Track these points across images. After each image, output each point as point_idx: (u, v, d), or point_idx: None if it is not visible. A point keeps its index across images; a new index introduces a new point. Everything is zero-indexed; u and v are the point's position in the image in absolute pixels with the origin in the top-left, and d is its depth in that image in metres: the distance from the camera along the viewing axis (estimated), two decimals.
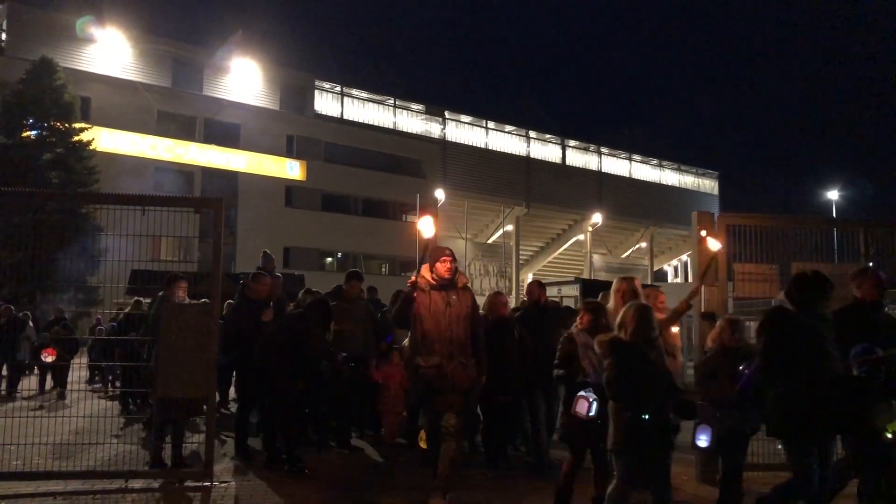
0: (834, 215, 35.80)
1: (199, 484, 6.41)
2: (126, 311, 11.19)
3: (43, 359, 12.05)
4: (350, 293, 8.42)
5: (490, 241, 49.16)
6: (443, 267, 5.57)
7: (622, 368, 4.45)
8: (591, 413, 4.93)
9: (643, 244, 56.00)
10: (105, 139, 31.07)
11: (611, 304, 5.74)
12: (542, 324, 7.25)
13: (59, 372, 12.88)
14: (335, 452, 7.94)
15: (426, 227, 5.55)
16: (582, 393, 5.04)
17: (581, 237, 52.09)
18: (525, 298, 8.15)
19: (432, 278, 5.59)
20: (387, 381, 8.44)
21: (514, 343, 6.97)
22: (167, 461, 6.83)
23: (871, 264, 7.35)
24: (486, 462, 7.07)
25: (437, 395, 5.43)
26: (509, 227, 48.36)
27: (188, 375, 6.48)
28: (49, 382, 13.66)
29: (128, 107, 33.03)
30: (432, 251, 5.59)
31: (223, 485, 6.45)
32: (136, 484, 6.38)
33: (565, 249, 53.33)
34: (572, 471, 5.38)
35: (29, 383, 13.81)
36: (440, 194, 41.77)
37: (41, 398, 12.65)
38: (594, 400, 4.93)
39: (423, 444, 6.29)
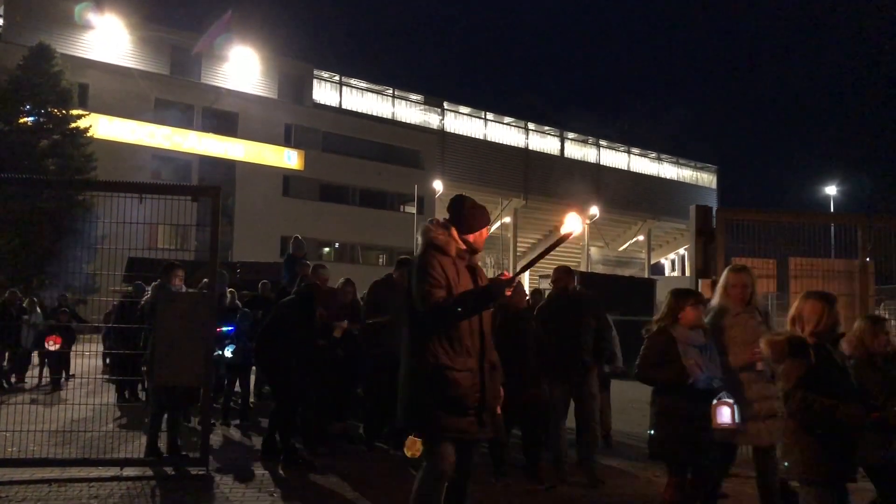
0: (832, 210, 35.82)
1: (195, 472, 6.43)
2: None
3: (48, 347, 11.89)
4: (402, 280, 7.50)
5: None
6: (483, 237, 4.12)
7: (811, 376, 3.60)
8: (738, 420, 4.40)
9: (640, 237, 56.02)
10: (103, 126, 30.95)
11: (717, 300, 5.21)
12: (570, 313, 6.54)
13: (59, 360, 12.58)
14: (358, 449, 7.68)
15: (574, 224, 4.19)
16: (723, 399, 4.39)
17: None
18: (552, 285, 7.04)
19: (462, 245, 4.00)
20: None
21: (532, 337, 6.36)
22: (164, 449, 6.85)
23: (868, 260, 7.37)
24: (496, 469, 6.38)
25: (463, 415, 3.78)
26: (507, 219, 48.37)
27: (184, 364, 6.49)
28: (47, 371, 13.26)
29: (125, 94, 32.88)
30: (480, 215, 4.11)
31: (219, 473, 6.46)
32: (132, 472, 6.39)
33: None
34: (680, 497, 4.53)
35: (32, 373, 13.40)
36: (438, 185, 41.71)
37: (41, 388, 12.44)
38: (734, 404, 4.39)
39: (410, 453, 5.84)
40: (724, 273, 5.32)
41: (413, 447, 5.45)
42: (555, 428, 6.53)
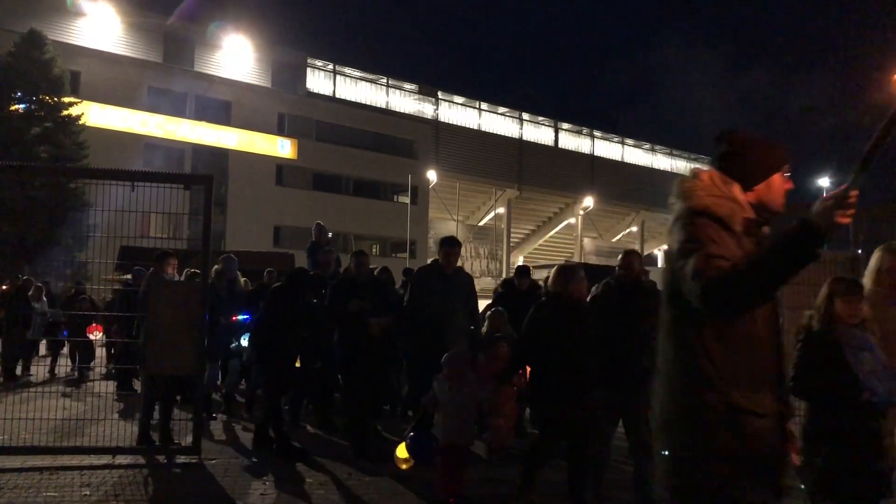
0: None
1: (187, 460, 6.43)
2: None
3: (91, 337, 11.79)
4: (448, 265, 6.95)
5: (481, 223, 49.17)
6: (779, 190, 2.60)
7: None
8: None
9: (634, 228, 56.14)
10: (95, 114, 30.77)
11: (870, 284, 4.37)
12: (636, 307, 5.43)
13: (87, 350, 12.15)
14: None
15: None
16: None
17: (572, 220, 52.19)
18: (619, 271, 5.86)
19: (751, 212, 2.50)
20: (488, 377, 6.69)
21: (592, 337, 5.08)
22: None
23: (860, 251, 7.39)
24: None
25: (762, 483, 2.40)
26: (501, 210, 48.37)
27: (176, 353, 6.48)
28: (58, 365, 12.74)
29: (118, 82, 32.68)
30: (769, 148, 2.59)
31: (211, 462, 6.46)
32: (123, 460, 6.38)
33: (556, 232, 53.42)
34: None
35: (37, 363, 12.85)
36: (432, 175, 41.71)
37: (58, 380, 11.85)
38: None
39: (403, 465, 5.42)
40: (877, 254, 4.46)
41: (407, 463, 5.42)
42: (605, 446, 5.48)
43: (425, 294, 6.80)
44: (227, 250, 23.14)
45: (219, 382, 9.49)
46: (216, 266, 9.14)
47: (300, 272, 7.46)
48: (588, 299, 5.52)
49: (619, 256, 5.90)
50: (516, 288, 8.81)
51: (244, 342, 8.79)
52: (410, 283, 7.33)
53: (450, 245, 6.98)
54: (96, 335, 11.83)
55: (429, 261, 9.75)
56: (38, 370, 12.21)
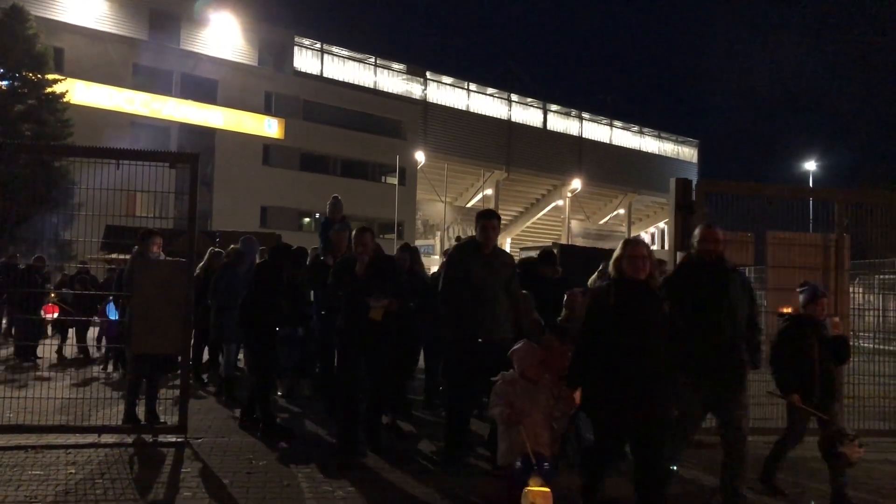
0: (811, 185, 36.13)
1: (173, 439, 6.43)
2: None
3: (47, 317, 11.25)
4: (487, 242, 5.99)
5: (469, 204, 49.13)
6: None
7: None
8: None
9: (621, 211, 56.28)
10: (80, 92, 30.44)
11: None
12: (720, 289, 4.81)
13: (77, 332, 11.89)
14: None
15: None
16: None
17: (560, 203, 52.25)
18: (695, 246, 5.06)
19: None
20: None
21: (664, 324, 4.23)
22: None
23: (845, 235, 7.45)
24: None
25: None
26: (489, 192, 48.34)
27: (162, 332, 6.47)
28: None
29: (103, 59, 32.31)
30: None
31: (197, 441, 6.46)
32: (109, 439, 6.38)
33: (544, 215, 53.47)
34: None
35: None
36: (420, 156, 41.59)
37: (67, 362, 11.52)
38: None
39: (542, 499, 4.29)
40: None
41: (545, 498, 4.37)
42: (680, 444, 4.86)
43: (461, 276, 5.92)
44: (213, 230, 23.05)
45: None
46: (234, 247, 9.04)
47: (281, 247, 7.46)
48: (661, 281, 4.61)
49: (698, 229, 5.07)
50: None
51: None
52: (445, 264, 6.44)
53: (486, 217, 6.05)
54: (53, 316, 11.24)
55: (449, 241, 9.22)
56: (45, 350, 11.54)
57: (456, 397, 6.05)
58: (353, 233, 6.25)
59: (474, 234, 6.03)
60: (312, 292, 8.49)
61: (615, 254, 4.37)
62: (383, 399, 6.54)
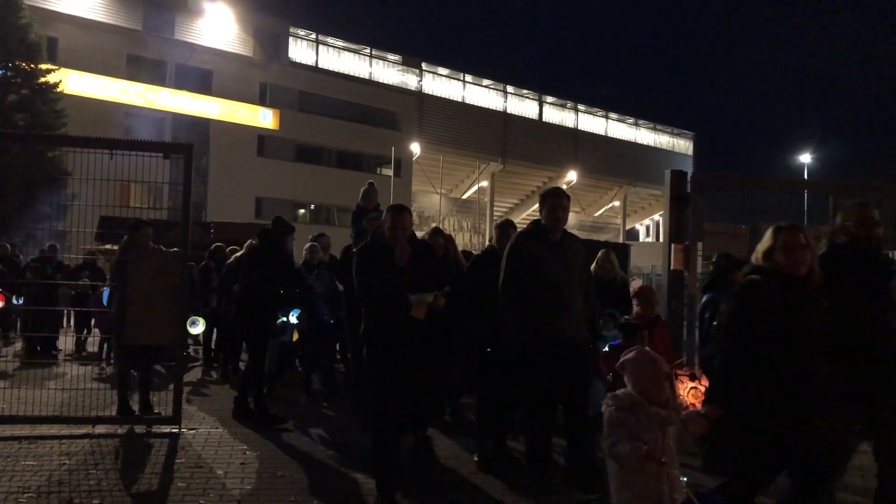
0: (805, 178, 36.19)
1: (167, 430, 6.43)
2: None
3: None
4: (555, 227, 5.11)
5: (465, 196, 49.08)
6: None
7: None
8: None
9: (616, 203, 56.27)
10: (74, 82, 30.29)
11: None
12: (876, 282, 4.03)
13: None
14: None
15: None
16: None
17: None
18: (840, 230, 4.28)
19: None
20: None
21: (826, 328, 3.46)
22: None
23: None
24: None
25: None
26: (484, 183, 48.29)
27: (157, 322, 6.46)
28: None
29: (97, 49, 32.14)
30: None
31: (191, 432, 6.46)
32: (103, 429, 6.37)
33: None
34: None
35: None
36: (416, 148, 41.50)
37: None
38: None
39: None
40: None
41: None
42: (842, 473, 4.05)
43: (530, 268, 4.97)
44: (207, 221, 23.00)
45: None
46: (311, 243, 8.97)
47: (280, 224, 7.31)
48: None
49: (848, 209, 4.23)
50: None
51: (293, 318, 8.19)
52: (507, 254, 5.19)
53: (555, 195, 5.10)
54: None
55: (490, 237, 7.79)
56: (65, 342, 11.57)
57: (536, 416, 5.07)
58: (387, 213, 5.02)
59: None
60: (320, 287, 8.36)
61: (764, 243, 3.61)
62: (420, 419, 5.52)
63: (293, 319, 8.21)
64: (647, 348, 3.70)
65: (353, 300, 5.39)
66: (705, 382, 4.58)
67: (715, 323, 5.03)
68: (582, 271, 5.19)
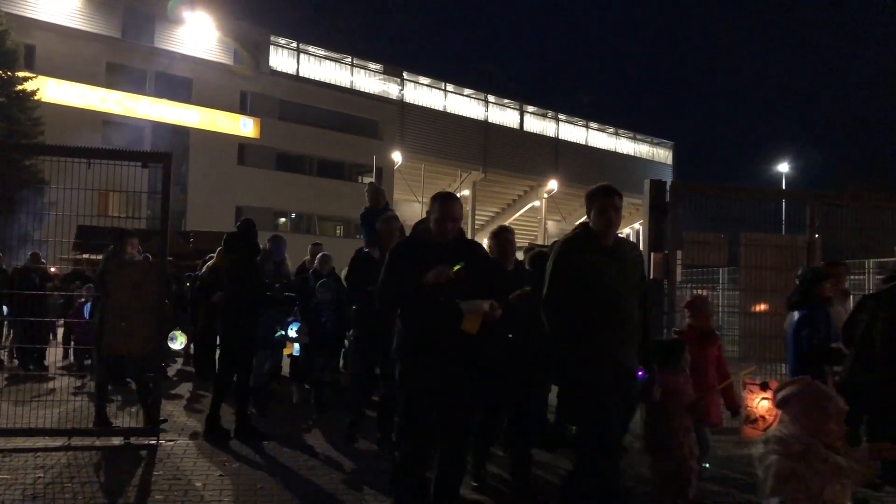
0: (783, 188, 36.57)
1: (145, 442, 6.35)
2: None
3: None
4: (606, 231, 4.25)
5: None
6: None
7: None
8: None
9: None
10: (52, 90, 30.03)
11: None
12: None
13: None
14: None
15: None
16: None
17: (536, 203, 52.44)
18: None
19: None
20: (669, 401, 4.46)
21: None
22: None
23: (816, 236, 7.55)
24: None
25: None
26: (466, 192, 48.35)
27: (135, 333, 6.39)
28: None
29: (75, 57, 31.87)
30: None
31: (169, 443, 6.40)
32: (80, 442, 6.29)
33: (520, 215, 53.58)
34: None
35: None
36: (397, 156, 41.52)
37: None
38: None
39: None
40: None
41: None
42: None
43: (580, 277, 4.14)
44: (187, 230, 22.81)
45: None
46: (322, 253, 8.74)
47: (246, 225, 7.17)
48: None
49: None
50: None
51: (291, 332, 8.01)
52: (553, 262, 4.32)
53: (606, 194, 4.24)
54: None
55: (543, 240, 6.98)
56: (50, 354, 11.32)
57: (600, 444, 4.01)
58: (434, 202, 4.21)
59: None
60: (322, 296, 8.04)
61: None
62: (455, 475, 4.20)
63: (292, 333, 8.05)
64: (819, 384, 3.05)
65: (365, 312, 5.10)
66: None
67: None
68: (641, 281, 4.44)
